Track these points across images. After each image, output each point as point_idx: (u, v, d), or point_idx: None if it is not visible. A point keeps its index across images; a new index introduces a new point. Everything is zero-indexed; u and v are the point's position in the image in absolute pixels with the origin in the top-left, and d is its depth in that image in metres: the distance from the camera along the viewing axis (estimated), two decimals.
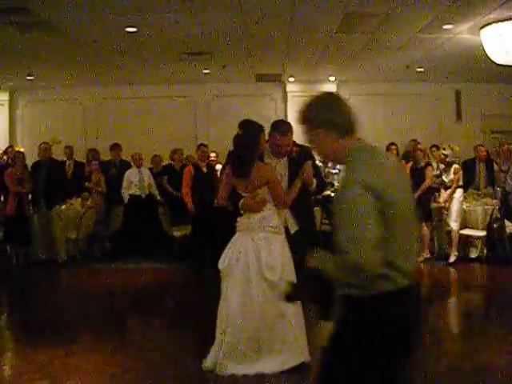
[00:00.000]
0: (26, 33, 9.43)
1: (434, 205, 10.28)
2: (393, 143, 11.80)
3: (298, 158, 5.44)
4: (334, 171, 13.40)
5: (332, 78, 14.78)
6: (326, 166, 13.36)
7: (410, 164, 11.16)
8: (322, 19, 9.15)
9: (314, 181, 5.41)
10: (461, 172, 10.13)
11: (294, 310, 5.07)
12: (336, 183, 12.84)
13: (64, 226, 10.48)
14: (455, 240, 9.93)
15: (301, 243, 5.29)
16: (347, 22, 9.26)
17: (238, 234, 5.21)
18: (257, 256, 5.03)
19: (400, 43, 10.70)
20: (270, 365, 5.00)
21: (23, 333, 6.76)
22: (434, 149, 11.93)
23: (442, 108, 15.48)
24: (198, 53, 11.37)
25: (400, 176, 2.90)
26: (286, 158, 5.51)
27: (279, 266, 5.02)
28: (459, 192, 9.97)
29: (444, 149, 10.44)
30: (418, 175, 10.29)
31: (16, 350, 6.18)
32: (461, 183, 10.09)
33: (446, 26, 9.48)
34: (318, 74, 14.10)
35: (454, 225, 9.90)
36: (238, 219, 5.23)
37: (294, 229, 5.43)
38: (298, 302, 5.05)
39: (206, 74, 13.60)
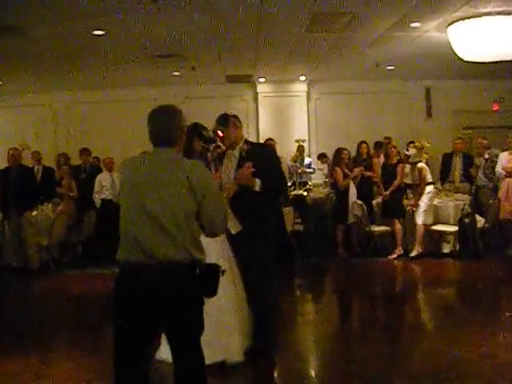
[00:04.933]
0: None
1: (406, 201, 10.34)
2: (363, 141, 11.88)
3: (247, 156, 5.41)
4: (308, 170, 13.45)
5: (302, 78, 14.83)
6: (300, 165, 13.42)
7: (381, 157, 11.24)
8: (290, 19, 9.16)
9: (257, 181, 5.27)
10: (427, 169, 10.21)
11: (223, 308, 5.07)
12: (310, 182, 12.90)
13: (35, 232, 10.32)
14: (418, 234, 10.02)
15: (240, 243, 5.32)
16: (316, 21, 9.29)
17: None
18: None
19: (369, 42, 10.74)
20: None
21: None
22: (411, 145, 12.02)
23: (412, 105, 15.61)
24: (168, 55, 11.33)
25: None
26: (236, 153, 5.51)
27: None
28: (429, 188, 10.05)
29: (407, 149, 10.55)
30: (389, 172, 10.35)
31: None
32: (430, 180, 10.16)
33: (413, 24, 9.54)
34: (289, 73, 14.14)
35: (418, 220, 10.00)
36: None
37: (236, 229, 5.37)
38: (225, 300, 5.05)
39: (175, 76, 13.56)
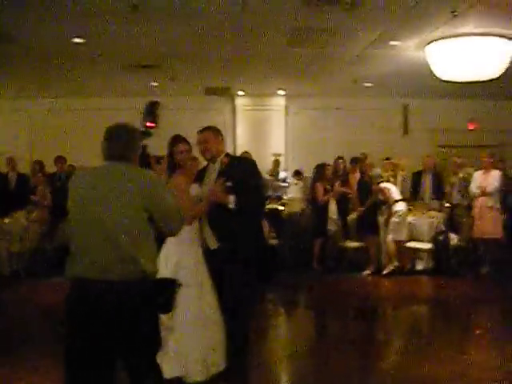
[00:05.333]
0: None
1: (380, 218, 10.38)
2: (340, 157, 11.93)
3: (226, 169, 5.36)
4: (283, 184, 13.48)
5: (281, 92, 14.86)
6: (276, 179, 13.48)
7: (357, 172, 11.27)
8: (270, 33, 9.20)
9: (232, 197, 5.17)
10: (389, 189, 10.27)
11: (186, 324, 5.02)
12: (284, 197, 12.91)
13: (7, 239, 10.23)
14: (389, 252, 10.10)
15: (216, 259, 5.24)
16: (295, 36, 9.34)
17: None
18: None
19: (347, 58, 10.81)
20: None
21: None
22: (385, 161, 12.12)
23: (389, 122, 15.70)
24: (146, 65, 11.31)
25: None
26: (217, 166, 5.46)
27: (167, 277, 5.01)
28: (398, 206, 10.12)
29: (371, 170, 10.66)
30: (365, 188, 10.40)
31: None
32: (397, 198, 10.21)
33: (392, 42, 9.62)
34: (268, 87, 14.18)
35: (388, 237, 10.08)
36: None
37: (214, 245, 5.33)
38: (189, 316, 5.00)
39: (154, 86, 13.52)
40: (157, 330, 3.48)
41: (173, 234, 3.73)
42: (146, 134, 5.00)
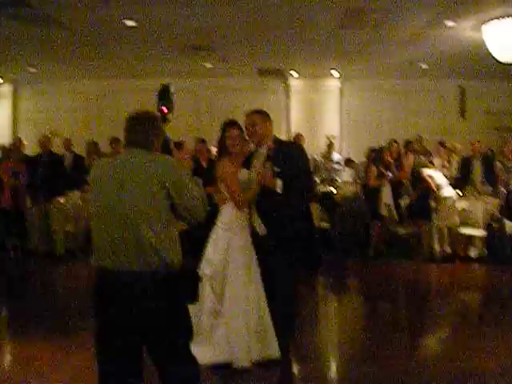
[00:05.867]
0: (28, 26, 9.47)
1: (433, 203, 10.18)
2: (394, 140, 11.73)
3: (273, 156, 5.25)
4: (336, 167, 13.33)
5: (335, 74, 14.71)
6: (328, 161, 13.33)
7: (410, 156, 11.09)
8: (324, 14, 9.12)
9: (278, 182, 5.12)
10: (436, 175, 10.05)
11: (234, 311, 5.02)
12: (338, 179, 12.79)
13: (62, 219, 10.46)
14: (441, 237, 9.92)
15: (264, 247, 5.20)
16: (349, 17, 9.23)
17: None
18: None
19: (402, 39, 10.63)
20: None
21: (12, 327, 6.74)
22: (439, 146, 11.92)
23: (445, 105, 15.40)
24: (200, 47, 11.33)
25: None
26: (264, 152, 5.36)
27: (216, 261, 5.09)
28: (447, 191, 9.91)
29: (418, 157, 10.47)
30: (417, 172, 10.24)
31: (3, 344, 6.12)
32: (441, 182, 9.99)
33: (448, 23, 9.40)
34: (321, 69, 14.05)
35: (439, 223, 9.90)
36: None
37: (263, 231, 5.26)
38: (237, 303, 5.02)
39: (207, 67, 13.55)
40: (184, 320, 3.42)
41: (196, 223, 3.52)
42: (163, 120, 4.85)
